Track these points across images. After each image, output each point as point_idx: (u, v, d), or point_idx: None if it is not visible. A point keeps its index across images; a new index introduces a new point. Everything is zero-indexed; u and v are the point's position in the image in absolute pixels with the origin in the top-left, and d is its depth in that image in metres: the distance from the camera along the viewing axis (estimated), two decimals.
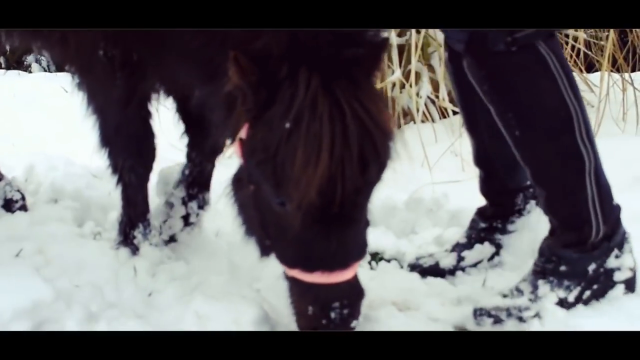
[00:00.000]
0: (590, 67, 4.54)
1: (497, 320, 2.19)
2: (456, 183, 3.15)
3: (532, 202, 2.56)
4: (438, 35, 3.94)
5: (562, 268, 2.24)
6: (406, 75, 3.92)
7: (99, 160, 2.72)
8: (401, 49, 3.96)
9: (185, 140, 2.59)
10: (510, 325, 2.18)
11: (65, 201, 2.92)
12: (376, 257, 2.61)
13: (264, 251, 1.98)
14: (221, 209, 2.94)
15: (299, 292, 1.85)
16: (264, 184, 1.80)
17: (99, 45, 2.21)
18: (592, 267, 2.24)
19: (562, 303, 2.22)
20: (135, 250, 2.46)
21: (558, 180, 2.22)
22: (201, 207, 2.60)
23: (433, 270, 2.53)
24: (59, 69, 5.79)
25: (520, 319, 2.19)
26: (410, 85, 3.85)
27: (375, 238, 2.62)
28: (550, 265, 2.26)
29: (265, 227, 1.90)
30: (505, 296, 2.25)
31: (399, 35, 4.00)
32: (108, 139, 2.42)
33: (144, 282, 2.32)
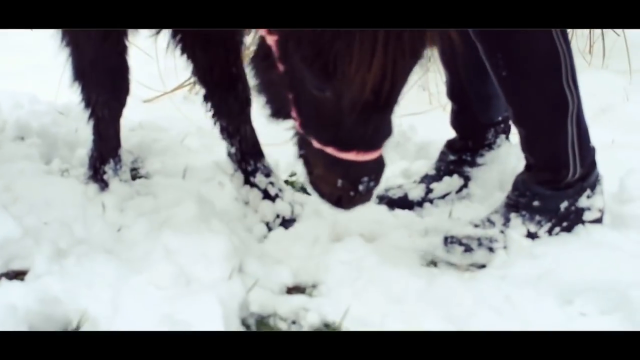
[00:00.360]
0: None
1: (468, 249, 2.24)
2: (423, 115, 3.15)
3: (502, 136, 2.57)
4: None
5: (535, 203, 2.28)
6: None
7: (65, 97, 2.70)
8: None
9: (210, 111, 2.52)
10: (479, 255, 2.23)
11: (32, 138, 2.90)
12: None
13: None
14: (191, 145, 2.98)
15: (330, 165, 1.89)
16: (306, 73, 1.80)
17: None
18: (564, 205, 2.28)
19: (532, 237, 2.26)
20: (104, 186, 2.43)
21: (541, 122, 2.24)
22: (266, 173, 2.52)
23: (401, 202, 2.55)
24: None
25: (490, 249, 2.23)
26: None
27: None
28: (523, 199, 2.29)
29: (299, 106, 1.91)
30: (476, 226, 2.28)
31: None
32: (83, 73, 2.39)
33: (113, 218, 2.30)
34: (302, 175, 2.49)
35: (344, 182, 1.89)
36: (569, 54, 2.16)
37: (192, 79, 3.51)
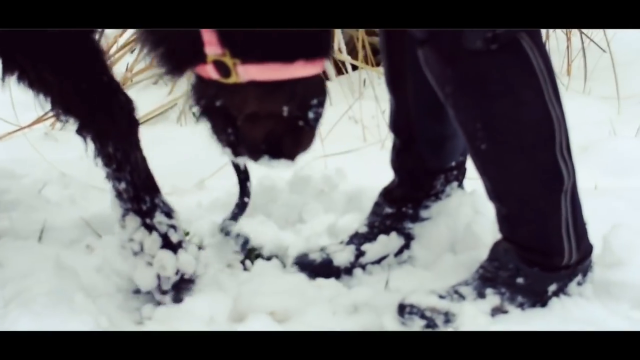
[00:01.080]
0: None
1: (431, 324, 2.25)
2: (355, 154, 3.16)
3: (454, 183, 2.60)
4: None
5: (519, 280, 2.30)
6: None
7: None
8: None
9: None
10: None
11: None
12: (252, 254, 2.62)
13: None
14: (51, 196, 2.97)
15: (271, 92, 1.95)
16: None
17: None
18: (552, 288, 2.31)
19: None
20: None
21: (528, 201, 2.27)
22: (166, 212, 2.47)
23: (324, 269, 2.55)
24: None
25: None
26: None
27: (251, 230, 2.66)
28: (504, 273, 2.31)
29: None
30: (442, 297, 2.29)
31: None
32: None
33: None
34: (197, 235, 2.52)
35: (289, 108, 1.93)
36: (563, 119, 2.20)
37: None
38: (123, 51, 4.14)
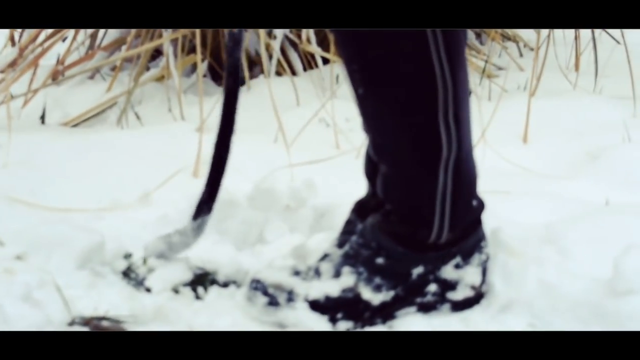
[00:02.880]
0: None
1: (272, 303, 2.39)
2: (326, 164, 3.20)
3: None
4: None
5: (379, 260, 2.40)
6: None
7: None
8: None
9: None
10: (283, 315, 2.38)
11: None
12: (205, 279, 2.64)
13: None
14: None
15: None
16: None
17: None
18: (417, 271, 2.40)
19: (363, 304, 2.40)
20: None
21: (401, 161, 2.38)
22: None
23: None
24: None
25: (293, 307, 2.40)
26: None
27: (205, 251, 2.69)
28: (366, 251, 2.42)
29: None
30: (296, 273, 2.44)
31: None
32: None
33: None
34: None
35: None
36: (454, 86, 2.27)
37: None
38: (53, 39, 4.16)
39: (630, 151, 3.41)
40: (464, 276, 2.43)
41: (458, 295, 2.44)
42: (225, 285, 2.64)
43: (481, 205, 2.46)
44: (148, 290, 2.57)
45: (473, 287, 2.45)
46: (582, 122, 3.65)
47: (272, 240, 2.82)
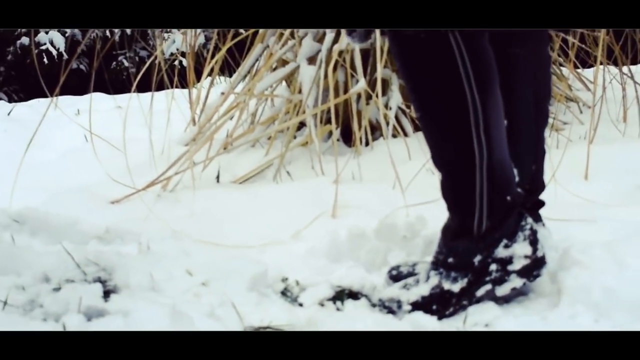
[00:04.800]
0: (584, 63, 4.61)
1: (390, 312, 2.51)
2: (433, 204, 3.18)
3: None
4: None
5: (450, 260, 2.48)
6: (372, 84, 3.96)
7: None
8: (365, 54, 4.00)
9: None
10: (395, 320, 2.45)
11: None
12: (342, 295, 2.63)
13: None
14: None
15: None
16: None
17: None
18: (477, 259, 2.46)
19: (448, 294, 2.47)
20: None
21: (448, 167, 2.45)
22: None
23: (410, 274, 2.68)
24: None
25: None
26: (377, 96, 3.87)
27: (341, 273, 2.70)
28: (441, 256, 2.51)
29: None
30: (405, 287, 2.52)
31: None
32: None
33: None
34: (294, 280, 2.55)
35: None
36: (482, 105, 2.34)
37: (169, 174, 3.58)
38: (223, 119, 4.20)
39: None
40: (515, 251, 2.46)
41: (516, 266, 2.47)
42: (358, 298, 2.64)
43: (517, 199, 2.48)
44: (301, 305, 2.58)
45: (527, 257, 2.47)
46: (631, 162, 3.59)
47: (393, 263, 2.82)
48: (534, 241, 2.48)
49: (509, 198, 2.45)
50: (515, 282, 2.48)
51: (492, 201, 2.42)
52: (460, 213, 2.47)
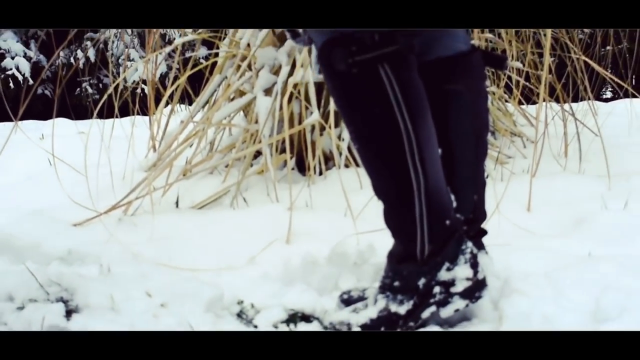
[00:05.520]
0: (528, 99, 4.67)
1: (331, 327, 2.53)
2: (382, 232, 3.21)
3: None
4: None
5: (396, 283, 2.51)
6: (326, 116, 3.99)
7: None
8: (319, 87, 4.03)
9: None
10: None
11: None
12: (295, 317, 2.65)
13: None
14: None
15: None
16: None
17: None
18: (421, 282, 2.48)
19: (395, 316, 2.49)
20: None
21: (387, 195, 2.47)
22: None
23: (361, 298, 2.70)
24: None
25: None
26: (330, 127, 3.91)
27: (294, 297, 2.72)
28: (387, 280, 2.53)
29: None
30: (354, 311, 2.54)
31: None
32: None
33: None
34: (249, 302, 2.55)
35: None
36: (416, 135, 2.37)
37: (129, 198, 3.58)
38: (183, 146, 4.20)
39: (607, 216, 3.38)
40: (457, 274, 2.48)
41: (458, 288, 2.49)
42: (310, 321, 2.66)
43: (456, 223, 2.50)
44: (255, 327, 2.59)
45: (468, 279, 2.49)
46: (571, 195, 3.63)
47: (344, 288, 2.84)
48: (474, 264, 2.50)
49: (447, 222, 2.47)
50: (458, 303, 2.49)
51: (432, 227, 2.43)
52: (402, 239, 2.49)
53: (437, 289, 2.49)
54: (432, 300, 2.49)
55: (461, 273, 2.49)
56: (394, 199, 2.45)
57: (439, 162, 2.44)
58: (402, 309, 2.48)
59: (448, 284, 2.49)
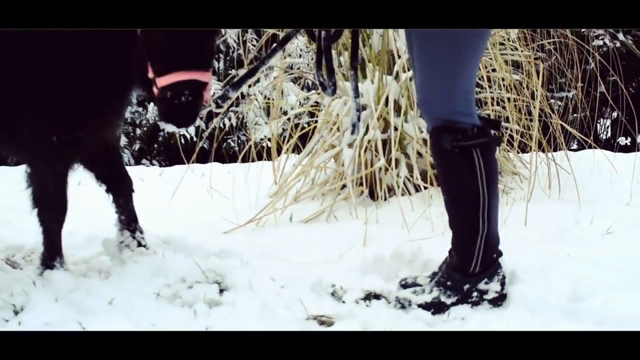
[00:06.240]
0: (524, 150, 4.59)
1: (402, 307, 2.46)
2: (427, 240, 3.19)
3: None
4: (409, 131, 4.01)
5: (448, 283, 2.46)
6: (388, 161, 3.98)
7: None
8: (384, 142, 4.02)
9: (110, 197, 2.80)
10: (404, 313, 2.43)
11: None
12: (370, 296, 2.60)
13: None
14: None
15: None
16: None
17: (52, 133, 2.37)
18: (466, 287, 2.44)
19: (443, 304, 2.45)
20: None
21: (460, 231, 2.45)
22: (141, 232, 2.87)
23: (414, 284, 2.61)
24: None
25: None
26: (392, 169, 3.91)
27: (369, 282, 2.68)
28: (443, 279, 2.48)
29: None
30: (414, 292, 2.48)
31: (383, 131, 4.06)
32: (41, 201, 2.54)
33: None
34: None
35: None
36: (489, 197, 2.35)
37: (260, 215, 3.60)
38: (294, 181, 4.18)
39: (579, 229, 3.31)
40: (491, 287, 2.45)
41: (489, 296, 2.46)
42: (379, 298, 2.59)
43: (498, 254, 2.47)
44: (344, 302, 2.55)
45: (497, 292, 2.46)
46: (554, 214, 3.56)
47: (402, 276, 2.76)
48: (503, 283, 2.48)
49: (495, 255, 2.47)
50: (486, 306, 2.47)
51: (485, 257, 2.43)
52: (462, 259, 2.46)
53: (475, 294, 2.46)
54: (469, 300, 2.46)
55: (493, 287, 2.46)
56: (464, 234, 2.44)
57: (497, 215, 2.43)
58: (448, 301, 2.45)
59: (483, 292, 2.46)
